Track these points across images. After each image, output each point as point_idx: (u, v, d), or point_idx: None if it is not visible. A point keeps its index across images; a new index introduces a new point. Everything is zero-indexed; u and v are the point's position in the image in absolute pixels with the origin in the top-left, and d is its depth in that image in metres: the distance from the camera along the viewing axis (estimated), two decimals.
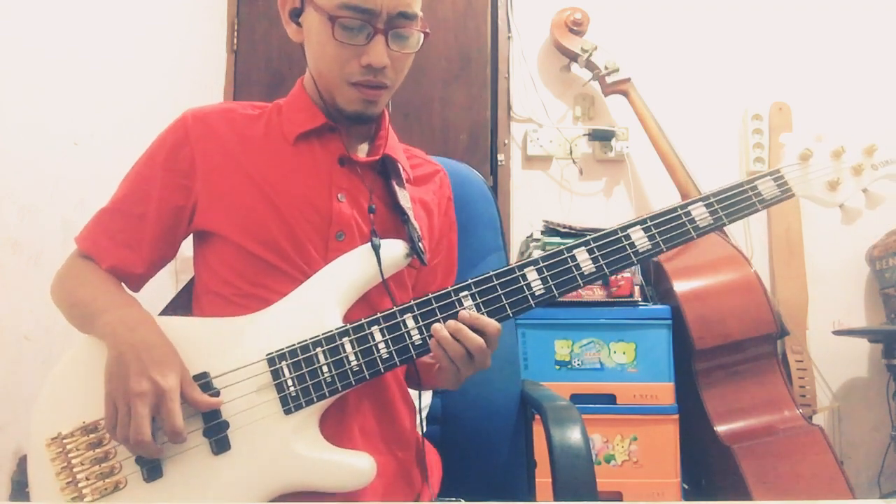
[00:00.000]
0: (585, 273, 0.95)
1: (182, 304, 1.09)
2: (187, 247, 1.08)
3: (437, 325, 0.90)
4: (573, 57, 2.63)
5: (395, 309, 0.93)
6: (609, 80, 2.55)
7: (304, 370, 0.90)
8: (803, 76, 2.70)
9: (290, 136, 1.01)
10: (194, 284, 1.06)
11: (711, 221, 0.98)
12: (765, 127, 2.67)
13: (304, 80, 1.07)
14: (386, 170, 1.04)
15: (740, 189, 1.00)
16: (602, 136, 2.66)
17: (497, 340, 0.92)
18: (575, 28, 2.61)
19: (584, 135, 2.68)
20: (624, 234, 0.96)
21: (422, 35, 0.98)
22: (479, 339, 0.89)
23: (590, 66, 2.59)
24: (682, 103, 2.66)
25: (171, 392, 0.84)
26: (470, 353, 0.90)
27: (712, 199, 0.99)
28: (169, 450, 0.87)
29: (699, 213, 0.98)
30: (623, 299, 2.08)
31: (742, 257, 2.15)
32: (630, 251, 0.96)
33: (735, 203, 0.99)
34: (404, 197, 1.03)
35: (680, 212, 0.98)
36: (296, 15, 1.01)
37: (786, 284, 2.58)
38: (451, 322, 0.90)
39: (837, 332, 2.47)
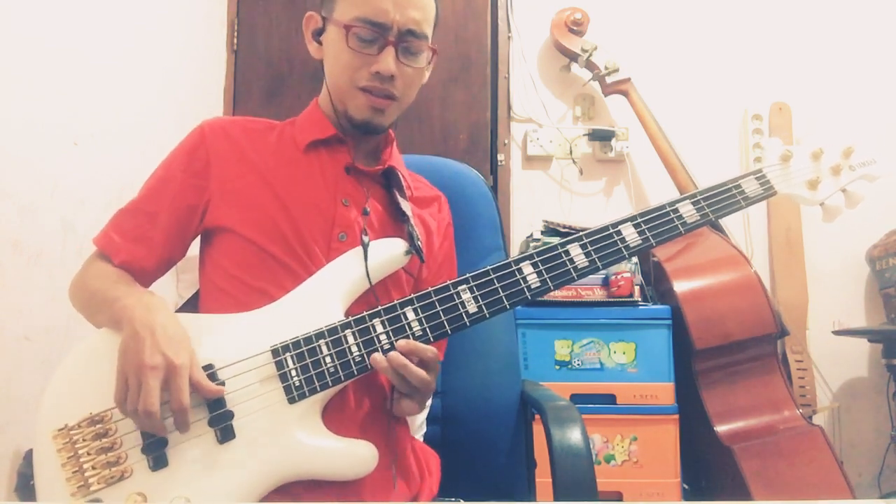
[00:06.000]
0: (579, 266, 0.99)
1: (189, 310, 1.10)
2: (190, 247, 1.10)
3: (376, 356, 0.92)
4: (573, 57, 2.63)
5: (395, 302, 0.96)
6: (609, 80, 2.55)
7: (308, 360, 0.92)
8: (803, 76, 2.70)
9: (301, 144, 1.09)
10: (200, 283, 1.09)
11: (698, 218, 1.03)
12: (765, 127, 2.66)
13: (320, 97, 1.14)
14: (389, 182, 1.10)
15: (725, 188, 1.05)
16: (602, 136, 2.66)
17: (437, 366, 0.97)
18: (575, 28, 2.61)
19: (584, 135, 2.68)
20: (615, 230, 1.01)
21: (431, 52, 1.07)
22: (422, 373, 0.92)
23: (590, 66, 2.59)
24: (682, 103, 2.67)
25: (182, 369, 0.86)
26: (413, 385, 0.93)
27: (699, 197, 1.04)
28: (175, 439, 0.88)
29: (686, 210, 1.03)
30: (623, 299, 2.08)
31: (742, 257, 2.15)
32: (621, 246, 1.00)
33: (721, 201, 1.04)
34: (405, 205, 1.08)
35: (668, 209, 1.03)
36: (318, 34, 1.10)
37: (786, 284, 2.58)
38: (393, 355, 0.92)
39: (837, 332, 2.47)
